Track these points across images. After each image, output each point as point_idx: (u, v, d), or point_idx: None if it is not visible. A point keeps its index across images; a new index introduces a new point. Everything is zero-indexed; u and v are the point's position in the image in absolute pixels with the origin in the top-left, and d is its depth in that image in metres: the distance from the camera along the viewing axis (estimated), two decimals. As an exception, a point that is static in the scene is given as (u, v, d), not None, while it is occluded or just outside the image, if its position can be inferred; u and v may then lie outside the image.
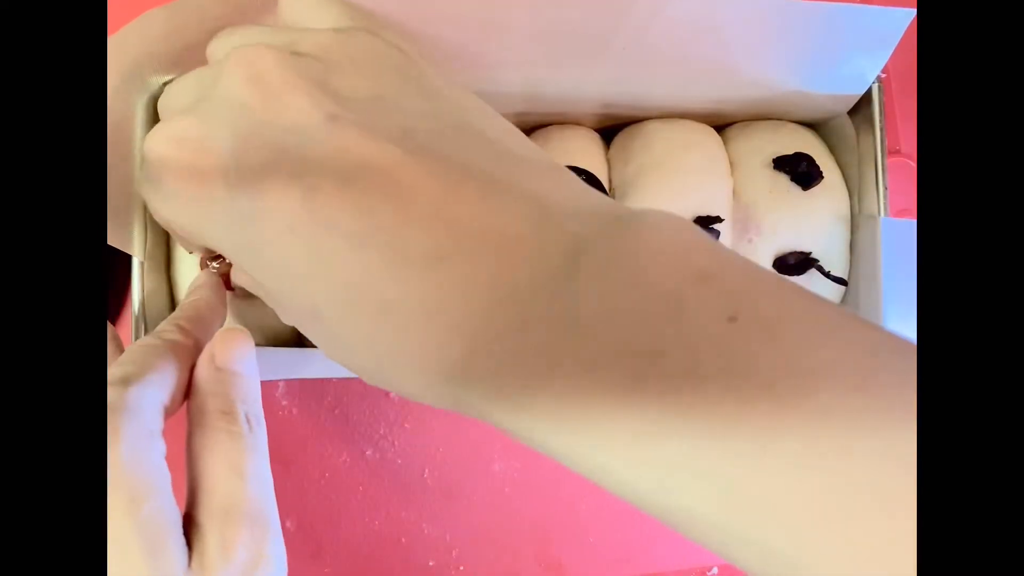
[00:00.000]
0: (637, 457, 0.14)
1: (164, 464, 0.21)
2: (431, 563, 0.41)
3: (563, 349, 0.14)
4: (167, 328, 0.24)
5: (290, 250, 0.17)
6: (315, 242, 0.16)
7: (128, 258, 0.33)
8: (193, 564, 0.20)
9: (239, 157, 0.17)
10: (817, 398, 0.13)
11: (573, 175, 0.18)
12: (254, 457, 0.22)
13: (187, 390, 0.23)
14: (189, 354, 0.23)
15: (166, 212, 0.19)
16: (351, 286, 0.16)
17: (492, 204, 0.16)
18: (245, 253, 0.18)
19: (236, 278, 0.22)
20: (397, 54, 0.20)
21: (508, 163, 0.17)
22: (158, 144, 0.18)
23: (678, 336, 0.14)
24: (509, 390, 0.15)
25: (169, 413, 0.22)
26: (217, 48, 0.22)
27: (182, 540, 0.20)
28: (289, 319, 0.20)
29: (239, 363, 0.24)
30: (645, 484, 0.14)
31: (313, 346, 0.37)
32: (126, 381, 0.21)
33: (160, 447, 0.21)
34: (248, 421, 0.23)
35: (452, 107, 0.19)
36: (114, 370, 0.21)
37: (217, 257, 0.28)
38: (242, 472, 0.21)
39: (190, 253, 0.24)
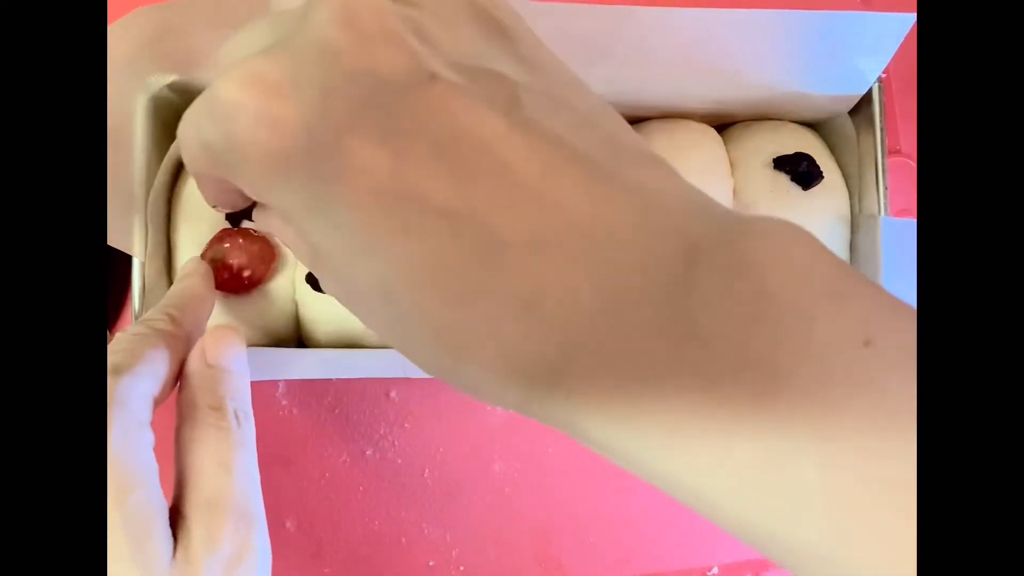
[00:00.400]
0: (759, 483, 0.13)
1: (152, 455, 0.21)
2: (431, 563, 0.41)
3: (680, 360, 0.13)
4: (157, 317, 0.23)
5: (370, 218, 0.15)
6: (400, 213, 0.15)
7: (128, 258, 0.33)
8: (178, 555, 0.20)
9: (326, 106, 0.15)
10: None
11: (675, 170, 0.17)
12: (241, 452, 0.22)
13: (176, 381, 0.23)
14: (179, 344, 0.23)
15: (234, 165, 0.17)
16: (435, 267, 0.15)
17: (599, 192, 0.15)
18: (316, 219, 0.16)
19: (283, 235, 0.20)
20: (496, 11, 0.18)
21: (614, 149, 0.16)
22: (232, 85, 0.16)
23: (807, 356, 0.13)
24: (610, 400, 0.14)
25: (158, 403, 0.22)
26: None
27: (168, 531, 0.20)
28: (347, 295, 0.17)
29: (230, 360, 0.23)
30: (764, 510, 0.13)
31: (305, 346, 0.37)
32: (117, 371, 0.20)
33: (149, 438, 0.21)
34: (236, 417, 0.22)
35: (557, 81, 0.17)
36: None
37: (217, 245, 0.26)
38: (229, 466, 0.21)
39: (213, 207, 0.22)
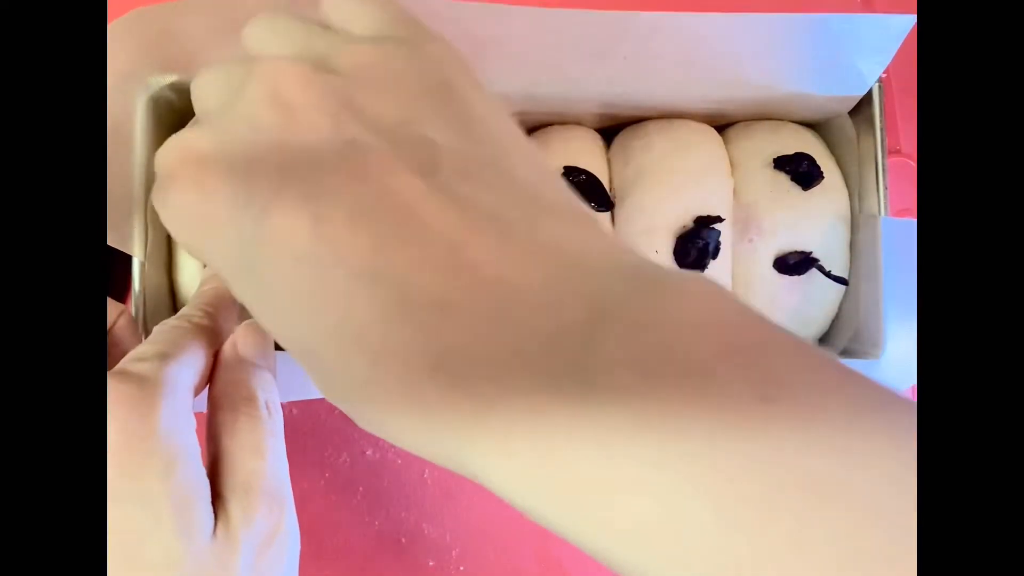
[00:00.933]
0: (649, 538, 0.13)
1: (195, 437, 0.22)
2: (431, 563, 0.41)
3: (577, 417, 0.13)
4: (194, 312, 0.24)
5: (292, 281, 0.16)
6: (319, 275, 0.15)
7: (128, 258, 0.33)
8: (218, 531, 0.21)
9: (249, 176, 0.16)
10: (849, 499, 0.12)
11: (598, 227, 0.17)
12: (273, 440, 0.23)
13: (209, 374, 0.24)
14: (214, 339, 0.24)
15: (169, 224, 0.18)
16: (350, 326, 0.15)
17: (509, 252, 0.15)
18: (243, 278, 0.17)
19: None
20: (437, 74, 0.18)
21: (534, 210, 0.16)
22: (168, 155, 0.18)
23: (705, 413, 0.13)
24: (516, 448, 0.14)
25: (195, 393, 0.23)
26: (250, 38, 0.21)
27: (210, 508, 0.21)
28: (285, 347, 0.19)
29: (260, 355, 0.24)
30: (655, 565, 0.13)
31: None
32: (163, 357, 0.21)
33: (192, 421, 0.22)
34: (267, 407, 0.23)
35: (485, 141, 0.18)
36: (148, 347, 0.22)
37: None
38: (262, 452, 0.22)
39: (197, 258, 0.25)
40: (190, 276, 0.35)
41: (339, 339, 0.16)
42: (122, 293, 0.39)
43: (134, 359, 0.21)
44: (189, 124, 0.19)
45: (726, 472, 0.12)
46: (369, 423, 0.17)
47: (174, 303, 0.36)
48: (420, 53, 0.18)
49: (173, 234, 0.18)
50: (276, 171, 0.16)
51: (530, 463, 0.14)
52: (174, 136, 0.18)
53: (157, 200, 0.18)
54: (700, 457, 0.13)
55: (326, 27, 0.20)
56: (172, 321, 0.24)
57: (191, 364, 0.22)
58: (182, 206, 0.17)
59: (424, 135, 0.17)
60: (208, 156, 0.17)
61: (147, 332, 0.33)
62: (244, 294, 0.17)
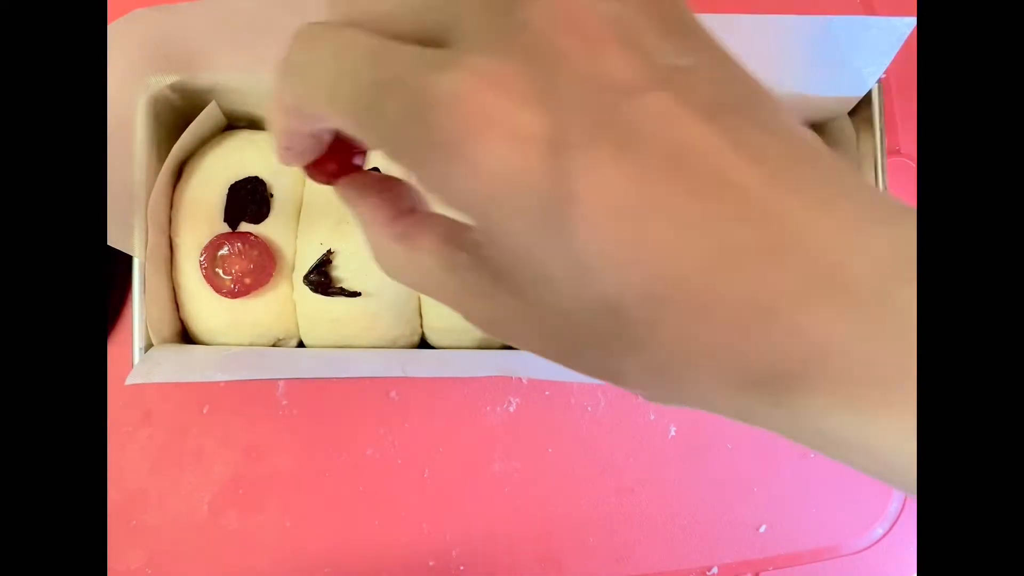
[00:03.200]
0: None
1: None
2: (431, 563, 0.41)
3: (908, 354, 0.14)
4: None
5: (610, 231, 0.15)
6: (642, 226, 0.15)
7: (128, 258, 0.33)
8: None
9: (565, 120, 0.15)
10: None
11: (846, 162, 0.17)
12: None
13: None
14: None
15: (443, 174, 0.16)
16: (674, 278, 0.15)
17: (811, 201, 0.15)
18: (542, 231, 0.15)
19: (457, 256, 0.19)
20: (677, 6, 0.17)
21: (815, 155, 0.16)
22: (473, 88, 0.15)
23: None
24: (863, 402, 0.14)
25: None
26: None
27: None
28: (557, 314, 0.17)
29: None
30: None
31: (305, 346, 0.37)
32: None
33: None
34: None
35: (753, 84, 0.17)
36: None
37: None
38: None
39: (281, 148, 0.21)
40: (189, 276, 0.35)
41: (659, 290, 0.15)
42: (122, 293, 0.39)
43: None
44: (449, 58, 0.16)
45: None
46: (659, 380, 0.16)
47: (174, 303, 0.36)
48: None
49: (453, 189, 0.16)
50: (587, 112, 0.15)
51: (873, 410, 0.14)
52: (466, 59, 0.15)
53: (436, 151, 0.16)
54: None
55: None
56: None
57: None
58: (501, 159, 0.15)
59: (704, 75, 0.16)
60: (526, 94, 0.15)
61: (147, 332, 0.33)
62: (540, 252, 0.16)
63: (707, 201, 0.15)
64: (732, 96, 0.16)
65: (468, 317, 0.18)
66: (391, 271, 0.20)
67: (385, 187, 0.21)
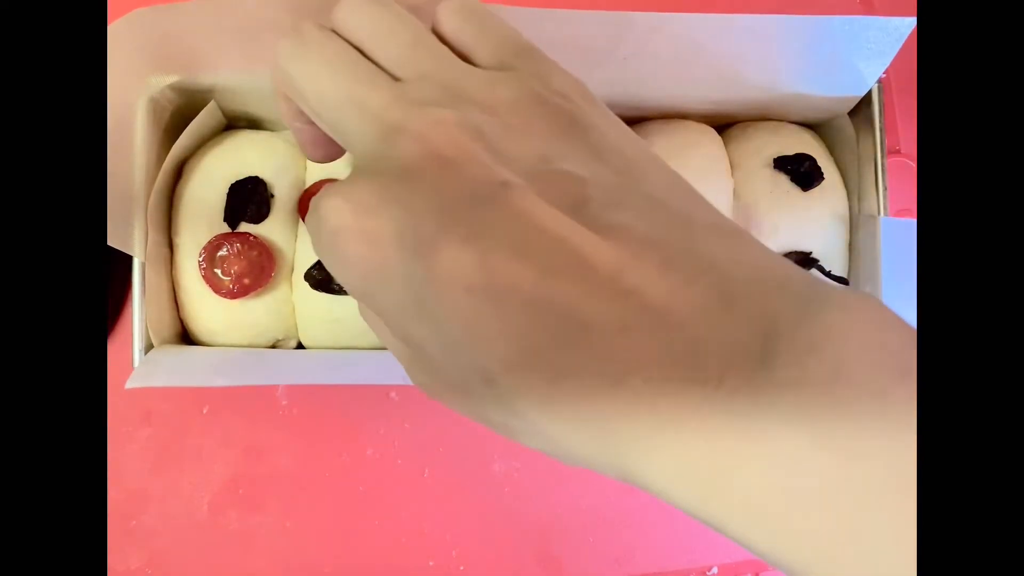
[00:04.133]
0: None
1: None
2: (431, 563, 0.41)
3: (754, 436, 0.14)
4: None
5: (464, 312, 0.17)
6: (491, 305, 0.16)
7: (128, 258, 0.33)
8: None
9: (415, 223, 0.17)
10: None
11: (753, 239, 0.18)
12: None
13: None
14: None
15: (342, 275, 0.19)
16: (528, 351, 0.16)
17: (673, 276, 0.16)
18: (414, 315, 0.18)
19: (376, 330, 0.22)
20: (568, 107, 0.19)
21: (686, 229, 0.17)
22: (336, 212, 0.18)
23: (882, 437, 0.13)
24: (698, 472, 0.15)
25: None
26: (354, 23, 0.21)
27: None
28: (442, 384, 0.19)
29: None
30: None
31: (304, 347, 0.37)
32: None
33: None
34: None
35: (624, 169, 0.18)
36: None
37: None
38: None
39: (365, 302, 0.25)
40: (189, 276, 0.35)
41: (516, 363, 0.16)
42: (122, 293, 0.39)
43: None
44: (328, 190, 0.19)
45: (910, 491, 0.13)
46: (540, 440, 0.17)
47: (174, 303, 0.36)
48: (549, 87, 0.20)
49: (345, 283, 0.19)
50: (438, 214, 0.17)
51: (708, 478, 0.15)
52: (332, 188, 0.19)
53: (325, 253, 0.19)
54: (884, 476, 0.13)
55: (441, 46, 0.21)
56: None
57: None
58: (355, 257, 0.18)
59: (568, 171, 0.18)
60: (372, 207, 0.18)
61: (147, 332, 0.33)
62: (414, 331, 0.18)
63: (554, 279, 0.16)
64: (603, 188, 0.18)
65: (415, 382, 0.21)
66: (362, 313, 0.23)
67: None
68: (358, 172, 0.19)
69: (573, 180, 0.18)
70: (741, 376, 0.15)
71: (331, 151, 0.24)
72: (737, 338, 0.15)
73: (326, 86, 0.20)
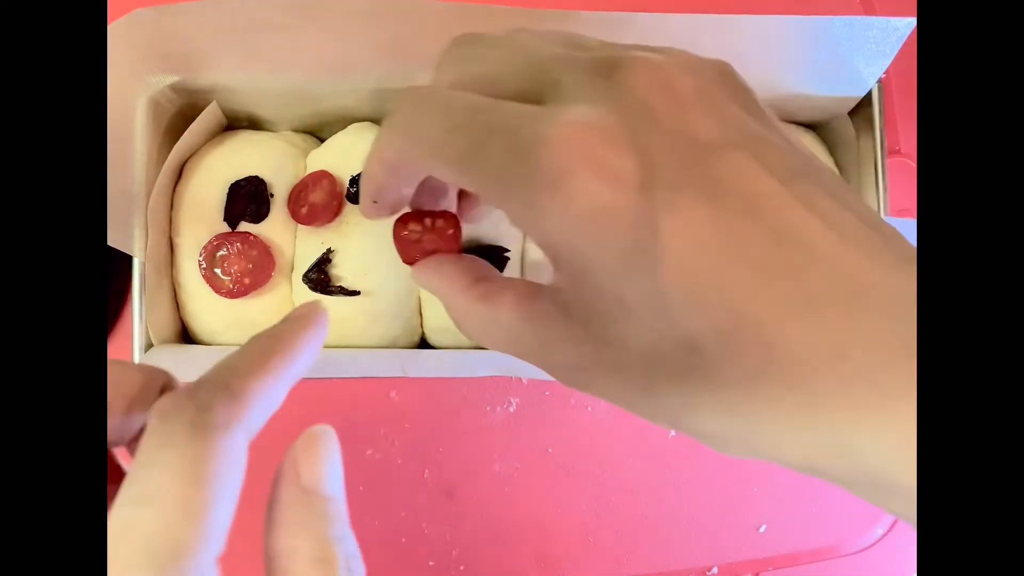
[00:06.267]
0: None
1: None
2: (431, 563, 0.41)
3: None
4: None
5: (691, 269, 0.16)
6: (721, 265, 0.16)
7: (128, 258, 0.33)
8: None
9: (656, 165, 0.16)
10: None
11: (897, 232, 0.18)
12: None
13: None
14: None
15: (537, 206, 0.17)
16: (748, 319, 0.16)
17: (879, 260, 0.16)
18: (629, 267, 0.16)
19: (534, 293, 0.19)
20: (743, 84, 0.19)
21: (868, 216, 0.17)
22: (575, 138, 0.16)
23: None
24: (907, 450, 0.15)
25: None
26: (523, 35, 0.21)
27: None
28: (635, 351, 0.17)
29: (332, 483, 0.18)
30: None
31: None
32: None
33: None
34: (349, 569, 0.18)
35: (812, 158, 0.18)
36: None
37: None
38: None
39: (369, 198, 0.22)
40: (189, 276, 0.35)
41: (734, 329, 0.16)
42: (122, 293, 0.39)
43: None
44: (553, 108, 0.17)
45: None
46: (729, 426, 0.17)
47: (174, 303, 0.36)
48: (720, 66, 0.19)
49: (543, 222, 0.17)
50: (678, 161, 0.16)
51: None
52: (568, 110, 0.17)
53: (533, 179, 0.17)
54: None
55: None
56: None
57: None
58: (588, 192, 0.16)
59: (775, 141, 0.17)
60: (619, 141, 0.17)
61: (147, 332, 0.33)
62: (625, 289, 0.17)
63: (783, 251, 0.16)
64: (801, 165, 0.17)
65: (550, 369, 0.20)
66: (475, 331, 0.21)
67: (460, 260, 0.23)
68: (582, 101, 0.17)
69: (781, 151, 0.17)
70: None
71: (406, 202, 0.23)
72: (911, 315, 0.15)
73: (518, 55, 0.19)
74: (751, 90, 0.19)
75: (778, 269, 0.16)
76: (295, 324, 0.20)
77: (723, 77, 0.19)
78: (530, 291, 0.20)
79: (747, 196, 0.16)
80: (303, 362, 0.20)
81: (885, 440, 0.14)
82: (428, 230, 0.24)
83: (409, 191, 0.22)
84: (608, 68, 0.18)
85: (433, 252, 0.23)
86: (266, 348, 0.19)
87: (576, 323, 0.18)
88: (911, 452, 0.14)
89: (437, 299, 0.22)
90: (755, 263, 0.16)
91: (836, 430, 0.15)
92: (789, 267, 0.16)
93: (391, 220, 0.24)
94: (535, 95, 0.19)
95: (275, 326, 0.20)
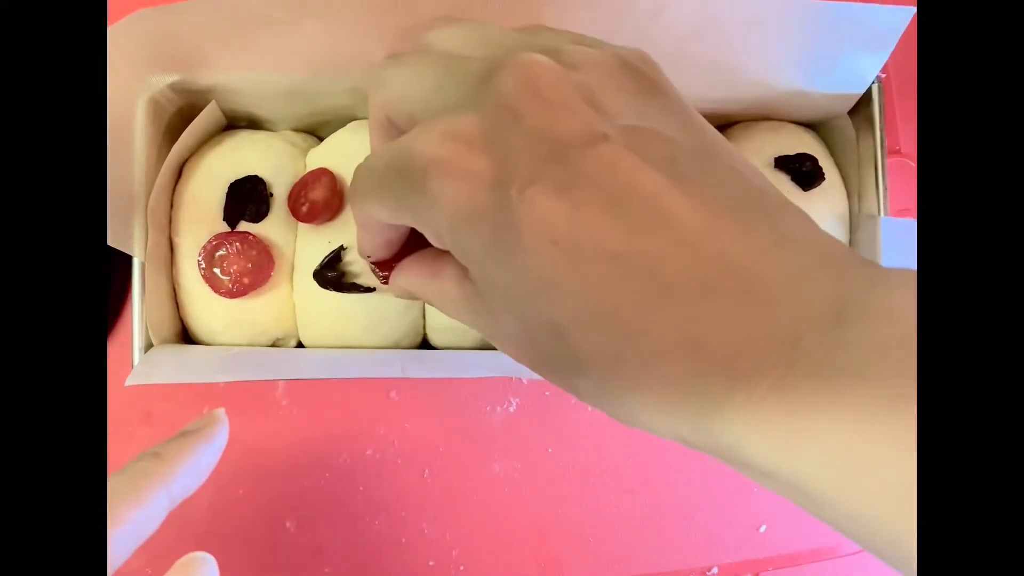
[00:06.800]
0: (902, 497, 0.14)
1: None
2: (431, 563, 0.41)
3: (837, 396, 0.14)
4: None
5: (546, 262, 0.17)
6: (576, 258, 0.16)
7: (128, 258, 0.33)
8: None
9: (511, 163, 0.17)
10: None
11: (801, 211, 0.18)
12: None
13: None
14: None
15: (432, 212, 0.19)
16: (605, 307, 0.16)
17: (755, 243, 0.16)
18: (495, 260, 0.18)
19: (440, 284, 0.22)
20: (649, 73, 0.20)
21: (762, 201, 0.17)
22: (436, 145, 0.18)
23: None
24: (775, 431, 0.15)
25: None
26: (445, 39, 0.21)
27: None
28: (508, 333, 0.19)
29: None
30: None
31: (304, 347, 0.37)
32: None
33: None
34: None
35: (702, 134, 0.19)
36: None
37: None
38: None
39: (364, 257, 0.26)
40: (189, 276, 0.35)
41: (591, 318, 0.16)
42: (122, 293, 0.39)
43: None
44: (425, 124, 0.19)
45: None
46: (602, 399, 0.18)
47: (174, 303, 0.36)
48: (624, 56, 0.20)
49: (421, 221, 0.19)
50: (535, 158, 0.17)
51: (785, 438, 0.15)
52: (431, 124, 0.18)
53: (408, 187, 0.19)
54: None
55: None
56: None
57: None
58: (450, 194, 0.18)
59: (659, 131, 0.18)
60: (476, 142, 0.18)
61: (147, 332, 0.33)
62: (494, 277, 0.18)
63: (643, 236, 0.16)
64: (688, 151, 0.18)
65: (482, 333, 0.21)
66: (436, 303, 0.23)
67: (417, 255, 0.24)
68: (454, 108, 0.19)
69: (663, 140, 0.18)
70: (818, 340, 0.15)
71: (395, 244, 0.25)
72: (813, 303, 0.15)
73: (425, 75, 0.20)
74: (660, 81, 0.20)
75: (635, 257, 0.16)
76: (182, 442, 0.23)
77: (624, 69, 0.19)
78: (461, 274, 0.21)
79: (610, 185, 0.16)
80: (182, 486, 0.23)
81: (740, 429, 0.15)
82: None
83: (392, 235, 0.24)
84: (488, 73, 0.19)
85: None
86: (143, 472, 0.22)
87: (481, 298, 0.20)
88: (767, 437, 0.15)
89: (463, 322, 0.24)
90: (610, 252, 0.16)
91: (692, 415, 0.16)
92: (649, 254, 0.16)
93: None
94: (441, 110, 0.20)
95: (164, 443, 0.23)
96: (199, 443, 0.23)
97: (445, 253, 0.22)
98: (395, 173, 0.19)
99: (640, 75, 0.19)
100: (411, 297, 0.25)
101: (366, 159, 0.22)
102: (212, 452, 0.23)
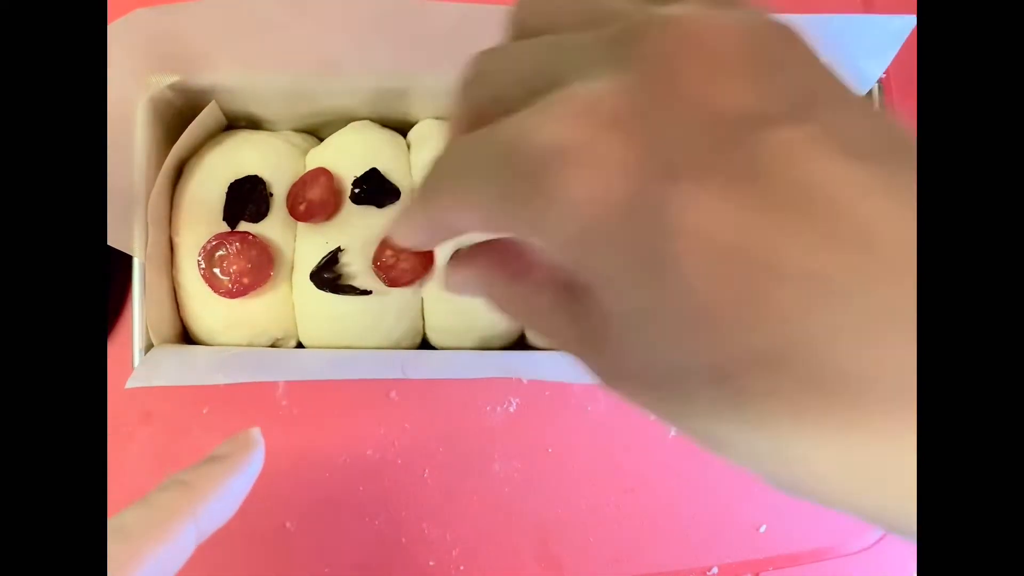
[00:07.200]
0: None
1: None
2: (431, 563, 0.41)
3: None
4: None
5: (721, 283, 0.13)
6: (761, 279, 0.12)
7: (128, 258, 0.33)
8: None
9: (666, 149, 0.13)
10: None
11: None
12: None
13: None
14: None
15: (537, 216, 0.14)
16: (794, 346, 0.13)
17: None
18: (635, 277, 0.14)
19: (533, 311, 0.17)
20: (805, 49, 0.16)
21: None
22: (558, 124, 0.13)
23: None
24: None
25: None
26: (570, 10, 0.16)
27: None
28: (640, 369, 0.15)
29: None
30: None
31: (304, 347, 0.37)
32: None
33: None
34: None
35: (883, 117, 0.15)
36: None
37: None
38: None
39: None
40: (189, 276, 0.35)
41: (773, 362, 0.13)
42: (122, 293, 0.39)
43: None
44: (544, 102, 0.14)
45: None
46: (756, 454, 0.14)
47: (174, 303, 0.36)
48: (762, 15, 0.16)
49: (547, 231, 0.14)
50: (701, 142, 0.13)
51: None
52: (559, 99, 0.14)
53: (531, 189, 0.14)
54: None
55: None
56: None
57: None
58: (585, 192, 0.13)
59: (829, 117, 0.14)
60: (621, 121, 0.13)
61: (147, 332, 0.33)
62: (634, 301, 0.14)
63: (844, 255, 0.12)
64: (880, 143, 0.14)
65: (580, 359, 0.17)
66: (513, 312, 0.18)
67: (488, 243, 0.19)
68: (579, 81, 0.14)
69: (854, 126, 0.14)
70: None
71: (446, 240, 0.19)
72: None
73: (534, 50, 0.16)
74: (818, 54, 0.16)
75: (835, 281, 0.12)
76: (211, 469, 0.20)
77: (782, 34, 0.15)
78: (565, 285, 0.17)
79: (795, 183, 0.13)
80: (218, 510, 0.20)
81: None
82: (402, 250, 0.23)
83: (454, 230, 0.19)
84: (630, 36, 0.14)
85: (411, 269, 0.23)
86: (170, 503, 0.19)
87: (594, 320, 0.15)
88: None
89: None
90: (803, 273, 0.12)
91: (870, 451, 0.13)
92: (852, 278, 0.12)
93: (390, 219, 0.24)
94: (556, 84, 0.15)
95: (193, 468, 0.20)
96: (230, 472, 0.20)
97: (528, 245, 0.18)
98: (499, 165, 0.15)
99: (801, 46, 0.15)
100: (470, 295, 0.19)
101: (447, 148, 0.17)
102: (245, 480, 0.20)
